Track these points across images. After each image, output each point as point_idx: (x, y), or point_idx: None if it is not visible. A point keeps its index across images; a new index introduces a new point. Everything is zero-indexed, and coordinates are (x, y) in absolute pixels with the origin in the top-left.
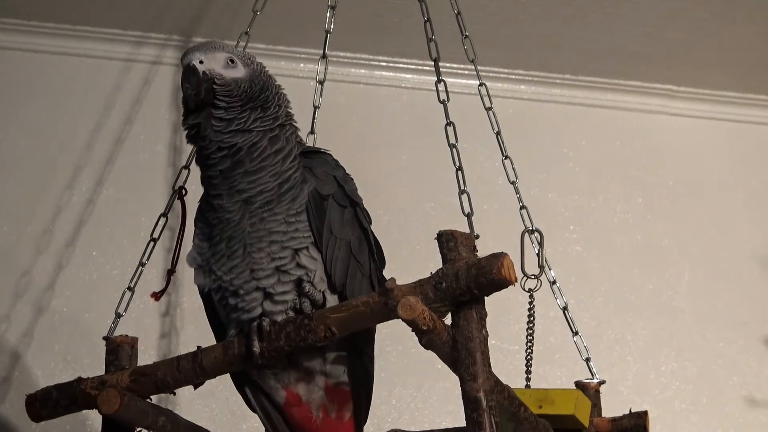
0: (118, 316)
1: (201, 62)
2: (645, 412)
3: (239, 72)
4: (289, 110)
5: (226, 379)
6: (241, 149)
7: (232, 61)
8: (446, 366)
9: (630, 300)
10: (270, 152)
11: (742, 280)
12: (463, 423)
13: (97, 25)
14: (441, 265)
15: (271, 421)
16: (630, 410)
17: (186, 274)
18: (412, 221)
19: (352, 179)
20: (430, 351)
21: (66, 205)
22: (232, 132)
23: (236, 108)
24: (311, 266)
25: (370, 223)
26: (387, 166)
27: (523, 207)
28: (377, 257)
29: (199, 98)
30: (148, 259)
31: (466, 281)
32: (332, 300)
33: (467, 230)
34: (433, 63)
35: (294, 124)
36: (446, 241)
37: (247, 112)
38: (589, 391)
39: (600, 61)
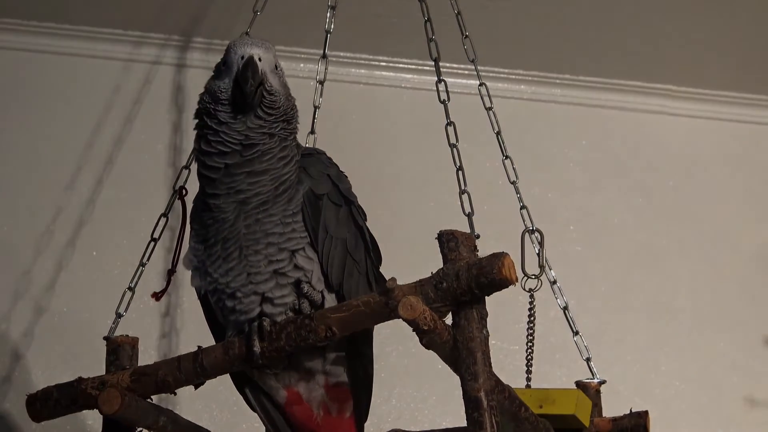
0: (119, 316)
1: (260, 59)
2: (645, 412)
3: (278, 82)
4: (297, 128)
5: (227, 379)
6: (257, 150)
7: (277, 67)
8: (447, 366)
9: (630, 300)
10: (277, 157)
11: (742, 280)
12: (463, 423)
13: (97, 25)
14: (441, 265)
15: (272, 420)
16: (630, 410)
17: (186, 274)
18: (412, 221)
19: (347, 177)
20: (430, 351)
21: (66, 205)
22: (260, 134)
23: (272, 117)
24: (308, 267)
25: (365, 220)
26: (387, 166)
27: (523, 207)
28: (374, 254)
29: (257, 98)
30: (148, 260)
31: (467, 281)
32: (330, 299)
33: (468, 230)
34: (433, 63)
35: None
36: (447, 241)
37: (279, 123)
38: (590, 391)
39: (600, 61)
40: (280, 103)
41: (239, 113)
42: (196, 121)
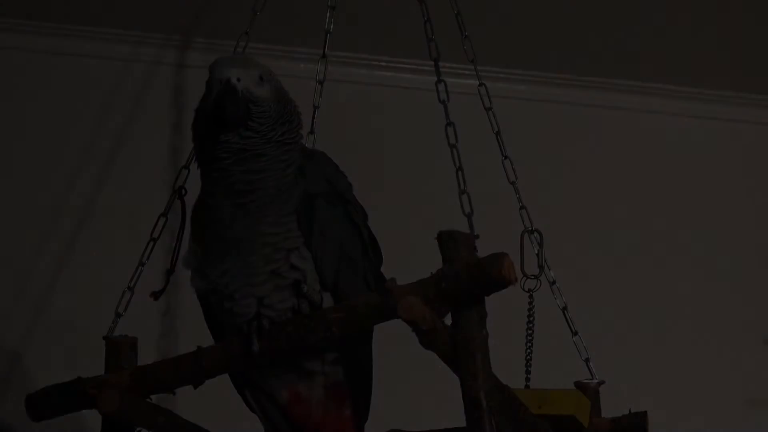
0: (118, 315)
1: (239, 80)
2: (644, 413)
3: (266, 90)
4: (300, 126)
5: (226, 379)
6: (252, 152)
7: (261, 78)
8: (446, 366)
9: (630, 300)
10: (277, 159)
11: (742, 280)
12: (463, 423)
13: (97, 25)
14: (441, 265)
15: (271, 420)
16: (630, 411)
17: (186, 273)
18: (412, 221)
19: (345, 176)
20: (430, 351)
21: (66, 205)
22: (254, 141)
23: (265, 125)
24: (303, 267)
25: (365, 219)
26: (387, 166)
27: (523, 207)
28: (373, 254)
29: (239, 120)
30: (148, 259)
31: (467, 281)
32: (328, 299)
33: (467, 230)
34: (433, 63)
35: (301, 136)
36: (446, 241)
37: (277, 128)
38: (589, 392)
39: (600, 61)
40: (270, 111)
41: (228, 130)
42: (193, 123)
